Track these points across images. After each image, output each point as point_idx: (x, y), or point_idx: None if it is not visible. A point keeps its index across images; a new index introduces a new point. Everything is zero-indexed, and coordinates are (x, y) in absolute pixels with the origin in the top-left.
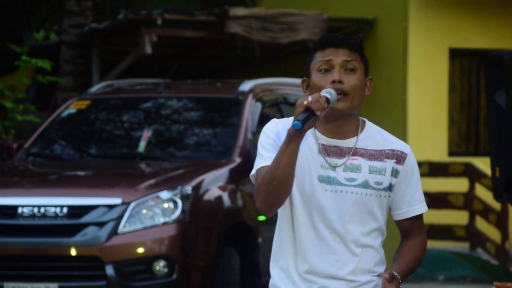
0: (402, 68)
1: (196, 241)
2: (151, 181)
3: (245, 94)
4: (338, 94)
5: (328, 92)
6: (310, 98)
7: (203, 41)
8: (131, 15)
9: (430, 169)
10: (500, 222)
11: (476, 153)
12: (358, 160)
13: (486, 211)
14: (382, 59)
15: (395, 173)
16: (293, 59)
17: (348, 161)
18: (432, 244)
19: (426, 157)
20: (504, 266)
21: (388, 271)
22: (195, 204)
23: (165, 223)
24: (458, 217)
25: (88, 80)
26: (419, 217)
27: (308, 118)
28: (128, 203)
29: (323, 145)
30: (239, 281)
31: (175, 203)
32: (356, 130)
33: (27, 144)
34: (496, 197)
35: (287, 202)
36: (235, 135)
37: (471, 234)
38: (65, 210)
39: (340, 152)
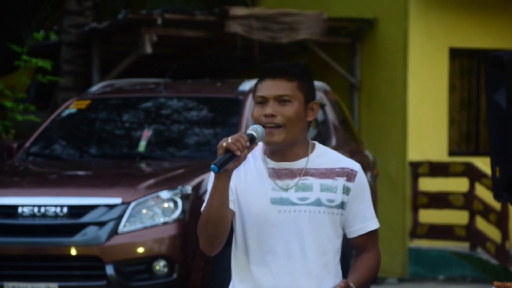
0: (402, 68)
1: (196, 241)
2: (151, 181)
3: (245, 94)
4: (271, 127)
5: (253, 129)
6: (229, 139)
7: (203, 41)
8: (131, 15)
9: (430, 169)
10: (500, 222)
11: (476, 153)
12: (309, 180)
13: (486, 211)
14: (382, 59)
15: (346, 191)
16: (293, 59)
17: (299, 181)
18: (432, 244)
19: (426, 157)
20: (504, 266)
21: (343, 280)
22: (195, 204)
23: (165, 223)
24: (458, 217)
25: (88, 80)
26: (373, 232)
27: (228, 160)
28: (128, 203)
29: (273, 169)
30: None
31: (175, 203)
32: (305, 152)
33: (27, 144)
34: (496, 197)
35: (240, 232)
36: None
37: (471, 234)
38: (65, 209)
39: (291, 174)
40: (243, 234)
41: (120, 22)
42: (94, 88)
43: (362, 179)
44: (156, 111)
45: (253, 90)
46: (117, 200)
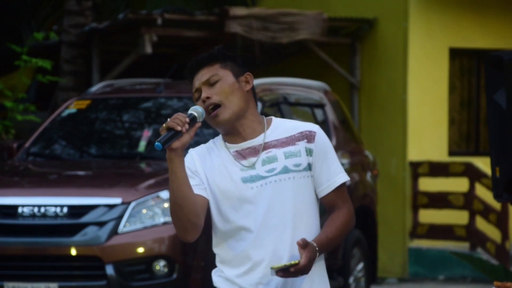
0: (402, 68)
1: (196, 241)
2: (151, 181)
3: None
4: (213, 109)
5: (193, 109)
6: (168, 120)
7: (203, 41)
8: (131, 15)
9: (430, 169)
10: (500, 222)
11: (476, 153)
12: (273, 151)
13: (486, 211)
14: (382, 59)
15: (309, 152)
16: (293, 59)
17: (263, 155)
18: (432, 244)
19: (426, 157)
20: (504, 266)
21: (302, 238)
22: None
23: (165, 223)
24: (458, 217)
25: (88, 80)
26: (340, 188)
27: (170, 137)
28: (128, 203)
29: (236, 151)
30: None
31: None
32: (261, 128)
33: (27, 144)
34: (496, 197)
35: (220, 222)
36: None
37: (471, 234)
38: (65, 209)
39: (254, 151)
40: (221, 218)
41: (120, 22)
42: (94, 88)
43: (322, 138)
44: (156, 111)
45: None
46: (117, 200)
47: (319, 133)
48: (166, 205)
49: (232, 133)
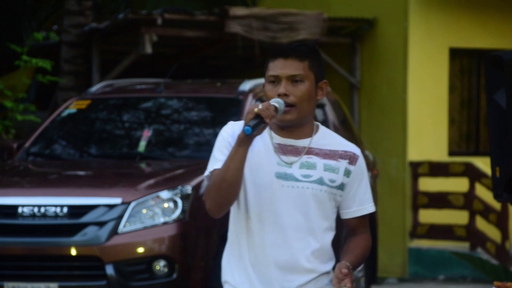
0: (402, 68)
1: (196, 241)
2: (151, 181)
3: (245, 94)
4: (285, 106)
5: (277, 102)
6: (260, 106)
7: (203, 41)
8: (131, 15)
9: (430, 169)
10: (500, 222)
11: (476, 153)
12: (314, 159)
13: (486, 211)
14: (382, 59)
15: (347, 173)
16: None
17: (303, 158)
18: (432, 244)
19: (426, 157)
20: (504, 266)
21: (343, 262)
22: (195, 204)
23: (165, 223)
24: (458, 217)
25: (88, 80)
26: (366, 216)
27: (258, 125)
28: (128, 203)
29: (278, 144)
30: None
31: (175, 202)
32: (310, 132)
33: (27, 144)
34: (496, 197)
35: (242, 201)
36: None
37: (471, 234)
38: (65, 209)
39: (296, 151)
40: (245, 204)
41: (120, 22)
42: (94, 88)
43: (362, 163)
44: (156, 111)
45: (265, 68)
46: (117, 200)
47: (361, 158)
48: (166, 205)
49: (284, 129)
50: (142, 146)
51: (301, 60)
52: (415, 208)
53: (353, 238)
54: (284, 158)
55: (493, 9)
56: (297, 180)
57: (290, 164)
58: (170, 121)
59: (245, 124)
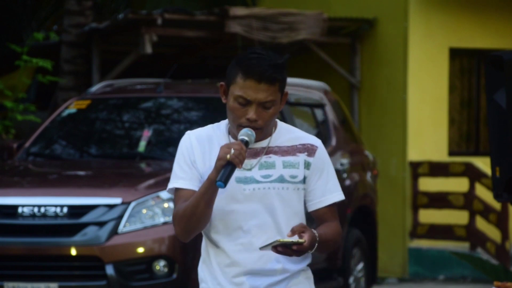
0: (402, 68)
1: (196, 241)
2: (151, 181)
3: None
4: (251, 128)
5: (246, 135)
6: (232, 151)
7: (203, 41)
8: (131, 15)
9: (430, 169)
10: (500, 222)
11: (476, 153)
12: (272, 158)
13: (486, 211)
14: (382, 59)
15: (307, 165)
16: (293, 59)
17: (263, 159)
18: (432, 244)
19: (426, 157)
20: (504, 266)
21: (300, 223)
22: None
23: (165, 223)
24: (458, 217)
25: (88, 80)
26: (333, 206)
27: (230, 173)
28: (128, 203)
29: None
30: None
31: None
32: (270, 132)
33: (27, 144)
34: (496, 197)
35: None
36: None
37: (471, 234)
38: (65, 209)
39: (255, 153)
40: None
41: (120, 22)
42: (94, 88)
43: (322, 154)
44: (156, 111)
45: (230, 78)
46: (117, 200)
47: (320, 148)
48: (166, 205)
49: None
50: (142, 146)
51: (272, 84)
52: (415, 208)
53: (323, 223)
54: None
55: (493, 9)
56: (257, 182)
57: (249, 168)
58: (170, 121)
59: (218, 178)
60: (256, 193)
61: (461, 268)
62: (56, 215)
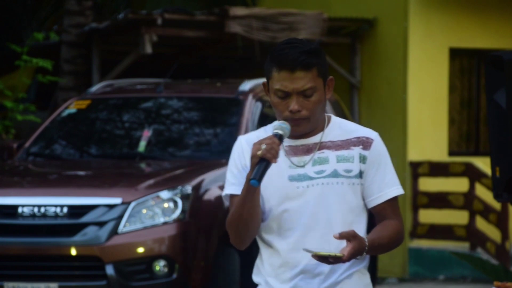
0: (402, 68)
1: (196, 241)
2: (151, 181)
3: (245, 94)
4: (297, 119)
5: (280, 128)
6: (264, 146)
7: (203, 41)
8: (131, 15)
9: (430, 169)
10: (500, 222)
11: (476, 153)
12: (325, 153)
13: (486, 211)
14: (382, 59)
15: (363, 159)
16: None
17: (315, 155)
18: (432, 244)
19: (426, 157)
20: (504, 266)
21: (352, 230)
22: (195, 204)
23: (165, 223)
24: (458, 217)
25: (88, 80)
26: (392, 201)
27: (265, 169)
28: (128, 203)
29: (289, 146)
30: (239, 281)
31: (175, 202)
32: (322, 126)
33: (27, 144)
34: (496, 197)
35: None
36: (235, 135)
37: (471, 234)
38: (65, 209)
39: (307, 149)
40: (264, 214)
41: (120, 22)
42: (94, 88)
43: (378, 146)
44: (156, 111)
45: (267, 75)
46: (117, 200)
47: (376, 140)
48: (166, 205)
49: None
50: (142, 146)
51: (309, 70)
52: (415, 208)
53: (381, 223)
54: (295, 159)
55: (493, 9)
56: (311, 178)
57: (302, 165)
58: (170, 121)
59: (251, 176)
60: (310, 190)
61: (461, 268)
62: (56, 215)
